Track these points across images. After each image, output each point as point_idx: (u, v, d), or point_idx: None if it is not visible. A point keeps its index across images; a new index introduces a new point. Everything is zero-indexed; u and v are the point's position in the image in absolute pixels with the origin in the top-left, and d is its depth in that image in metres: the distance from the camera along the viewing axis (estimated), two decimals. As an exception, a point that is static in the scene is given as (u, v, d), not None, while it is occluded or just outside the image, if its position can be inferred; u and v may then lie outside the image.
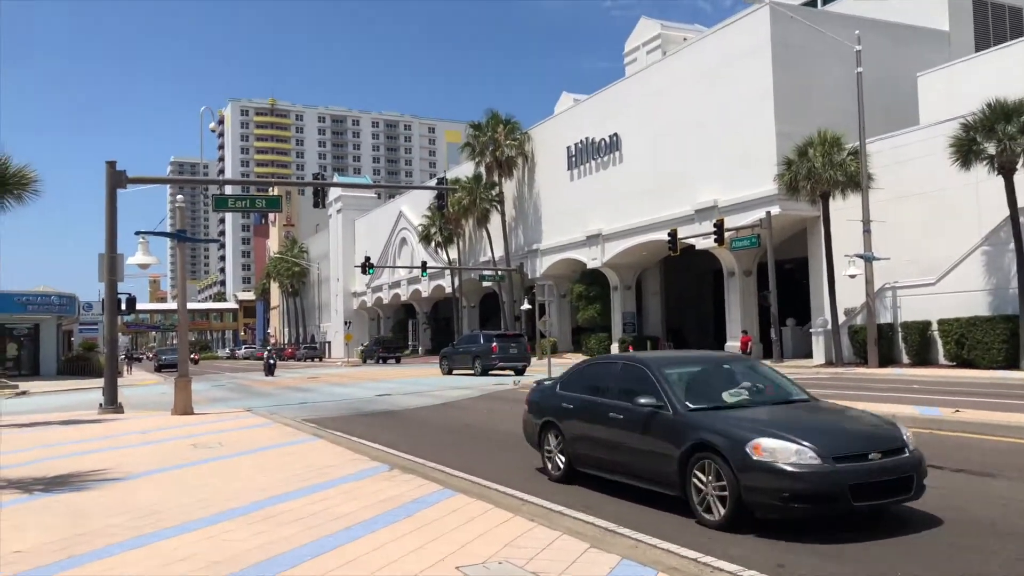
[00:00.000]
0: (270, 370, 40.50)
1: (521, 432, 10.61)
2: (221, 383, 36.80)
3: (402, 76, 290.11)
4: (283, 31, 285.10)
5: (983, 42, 40.03)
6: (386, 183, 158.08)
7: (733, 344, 38.48)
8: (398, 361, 59.38)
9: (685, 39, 57.50)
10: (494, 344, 30.53)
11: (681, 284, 51.85)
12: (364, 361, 64.13)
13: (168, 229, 20.69)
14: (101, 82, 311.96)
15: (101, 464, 11.00)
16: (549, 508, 7.84)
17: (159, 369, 55.08)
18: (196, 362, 70.60)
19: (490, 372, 31.14)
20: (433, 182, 66.65)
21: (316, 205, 25.42)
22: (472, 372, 31.51)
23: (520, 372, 30.90)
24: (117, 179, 20.56)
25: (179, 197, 19.47)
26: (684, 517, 7.38)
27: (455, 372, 32.91)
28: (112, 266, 20.11)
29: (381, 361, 59.16)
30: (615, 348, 47.26)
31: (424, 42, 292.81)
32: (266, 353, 43.61)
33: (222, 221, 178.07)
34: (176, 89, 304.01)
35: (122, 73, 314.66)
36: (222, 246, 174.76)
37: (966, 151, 25.49)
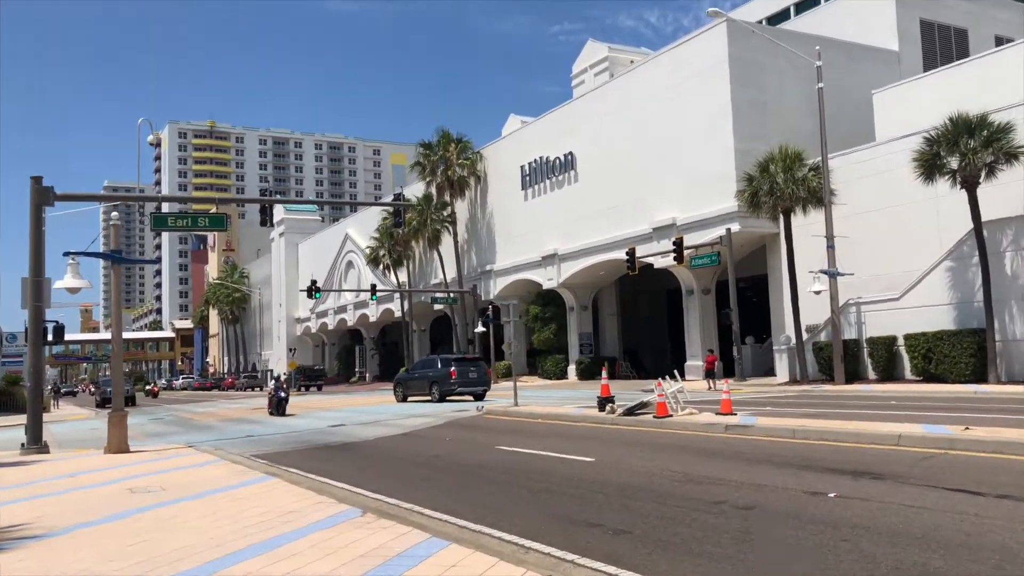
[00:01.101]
0: (279, 407, 28.09)
1: (498, 462, 12.14)
2: (159, 416, 34.61)
3: (346, 99, 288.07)
4: (223, 53, 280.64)
5: (931, 62, 40.60)
6: (334, 205, 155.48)
7: (694, 363, 37.84)
8: (320, 389, 60.01)
9: (632, 61, 57.47)
10: (452, 368, 29.15)
11: (637, 304, 51.29)
12: (298, 390, 63.08)
13: (101, 250, 18.98)
14: (28, 99, 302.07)
15: (17, 518, 9.39)
16: (559, 557, 6.65)
17: (103, 404, 43.23)
18: (156, 395, 68.35)
19: (448, 398, 29.75)
20: (388, 199, 65.21)
21: (264, 223, 23.86)
22: (429, 399, 30.06)
23: (480, 397, 29.58)
24: (43, 196, 18.79)
25: (114, 215, 17.81)
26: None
27: (410, 399, 31.41)
28: (37, 291, 18.29)
29: (304, 389, 58.87)
30: (572, 370, 46.32)
31: (368, 66, 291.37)
32: (273, 385, 29.75)
33: (158, 247, 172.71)
34: (110, 110, 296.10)
35: (54, 91, 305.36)
36: (159, 265, 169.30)
37: (929, 165, 25.30)
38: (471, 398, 29.82)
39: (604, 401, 18.53)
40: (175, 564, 6.71)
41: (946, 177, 25.45)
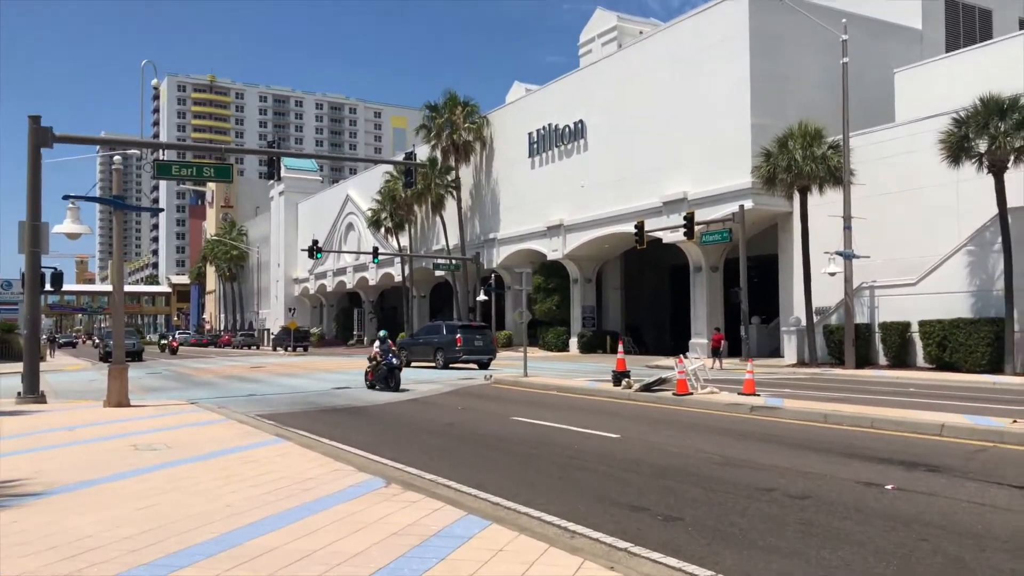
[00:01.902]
0: (389, 379, 20.31)
1: (517, 434, 12.11)
2: (156, 370, 34.06)
3: (348, 60, 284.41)
4: (224, 6, 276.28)
5: (954, 42, 39.69)
6: (334, 165, 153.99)
7: (699, 341, 37.32)
8: (305, 350, 59.86)
9: (641, 32, 56.41)
10: (458, 336, 28.59)
11: (641, 279, 50.71)
12: (274, 349, 66.09)
13: (98, 197, 18.26)
14: (28, 43, 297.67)
15: (16, 472, 8.82)
16: (610, 544, 6.12)
17: (107, 358, 36.33)
18: (175, 350, 60.63)
19: (452, 365, 29.23)
20: (387, 165, 64.21)
21: (271, 176, 23.07)
22: (433, 365, 29.53)
23: (485, 366, 29.06)
24: (42, 137, 18.02)
25: (116, 158, 17.06)
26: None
27: (414, 364, 30.86)
28: (35, 236, 17.59)
29: (290, 349, 59.72)
30: (574, 343, 45.84)
31: (371, 27, 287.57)
32: (378, 347, 21.07)
33: (156, 202, 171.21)
34: (107, 61, 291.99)
35: (51, 39, 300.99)
36: (160, 215, 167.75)
37: (956, 147, 24.58)
38: (475, 366, 29.30)
39: (620, 376, 17.99)
40: (190, 534, 6.14)
41: (972, 160, 24.76)
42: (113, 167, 16.77)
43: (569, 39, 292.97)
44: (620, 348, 19.39)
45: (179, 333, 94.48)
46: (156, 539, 5.99)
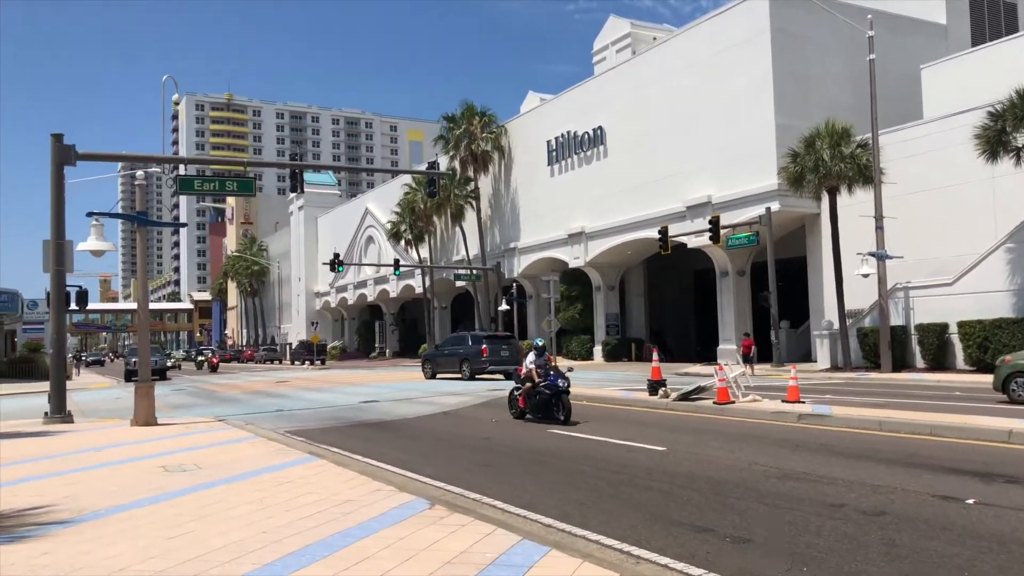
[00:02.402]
0: (549, 408, 15.10)
1: (558, 448, 11.91)
2: (181, 387, 33.86)
3: (362, 75, 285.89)
4: (239, 26, 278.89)
5: (979, 36, 38.93)
6: (351, 179, 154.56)
7: (727, 347, 36.67)
8: (323, 363, 61.70)
9: (655, 38, 55.88)
10: (484, 346, 28.15)
11: (663, 285, 50.12)
12: (292, 363, 67.43)
13: (121, 213, 18.02)
14: (47, 63, 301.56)
15: (42, 497, 8.47)
16: (682, 572, 5.64)
17: (131, 377, 34.04)
18: (215, 367, 55.11)
19: (478, 376, 28.79)
20: (405, 177, 64.08)
21: (294, 189, 22.74)
22: (459, 376, 29.10)
23: (510, 376, 28.52)
24: (64, 155, 17.84)
25: (139, 174, 16.82)
26: None
27: (439, 376, 30.47)
28: (59, 254, 17.39)
29: (308, 363, 61.15)
30: (598, 351, 45.28)
31: (385, 42, 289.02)
32: (534, 359, 15.76)
33: (177, 218, 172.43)
34: (125, 81, 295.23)
35: (72, 62, 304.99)
36: (183, 230, 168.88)
37: (993, 142, 23.95)
38: (501, 376, 28.83)
39: (655, 385, 17.48)
40: (229, 565, 5.73)
41: (1010, 154, 24.11)
42: (136, 183, 16.53)
43: (580, 49, 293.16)
44: (655, 356, 18.80)
45: (203, 349, 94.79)
46: (194, 571, 5.59)
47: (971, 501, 7.53)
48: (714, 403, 15.38)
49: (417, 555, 5.90)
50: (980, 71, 31.95)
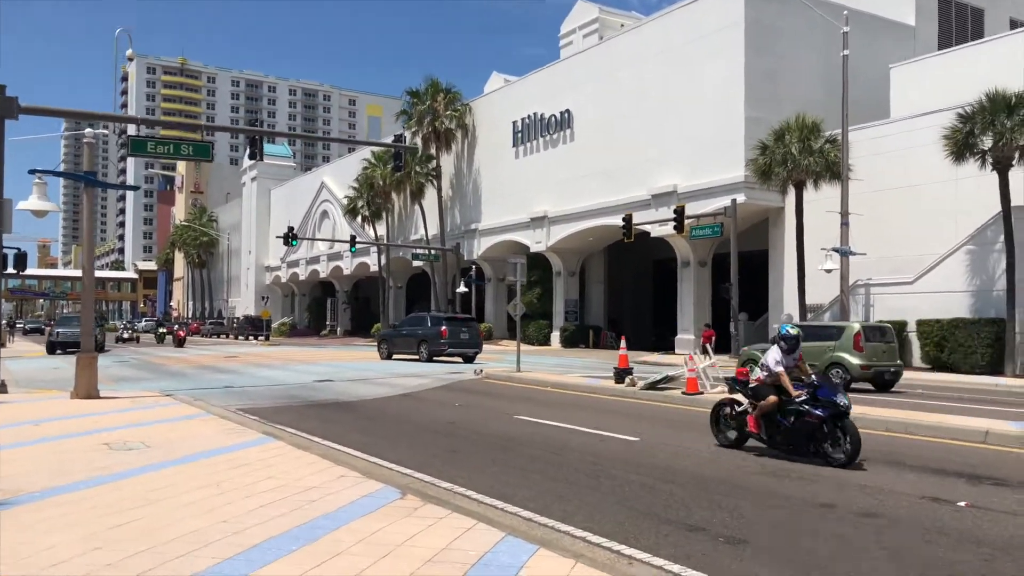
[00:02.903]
0: (831, 441, 9.23)
1: (527, 435, 11.26)
2: (124, 359, 32.60)
3: (322, 47, 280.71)
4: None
5: (946, 40, 39.36)
6: (307, 152, 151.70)
7: (686, 337, 36.74)
8: (267, 339, 60.39)
9: (622, 25, 55.71)
10: (444, 327, 27.54)
11: (621, 273, 50.02)
12: (236, 338, 66.68)
13: (68, 172, 16.98)
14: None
15: (-26, 476, 7.72)
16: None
17: (54, 349, 35.84)
18: (182, 341, 47.06)
19: (436, 358, 28.23)
20: (363, 152, 62.87)
21: (252, 157, 21.87)
22: (416, 358, 28.49)
23: (470, 359, 28.08)
24: (6, 107, 16.61)
25: (88, 131, 15.79)
26: None
27: (395, 357, 29.80)
28: (-2, 213, 16.28)
29: (253, 339, 61.83)
30: (555, 337, 45.02)
31: (345, 16, 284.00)
32: (779, 358, 9.78)
33: (122, 185, 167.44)
34: (73, 39, 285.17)
35: (15, 16, 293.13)
36: (125, 194, 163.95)
37: (961, 144, 24.06)
38: (460, 360, 28.33)
39: (622, 373, 17.14)
40: (185, 559, 5.15)
41: (976, 157, 24.30)
42: (84, 140, 15.51)
43: (548, 32, 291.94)
44: (622, 344, 18.47)
45: (145, 320, 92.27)
46: (145, 567, 5.00)
47: (963, 504, 7.29)
48: (683, 393, 15.10)
49: (394, 551, 5.39)
50: (948, 73, 32.24)
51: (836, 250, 27.59)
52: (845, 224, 27.61)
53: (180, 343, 46.71)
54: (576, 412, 14.05)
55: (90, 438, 10.32)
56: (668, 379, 16.01)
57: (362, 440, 10.91)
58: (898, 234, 29.32)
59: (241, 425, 11.80)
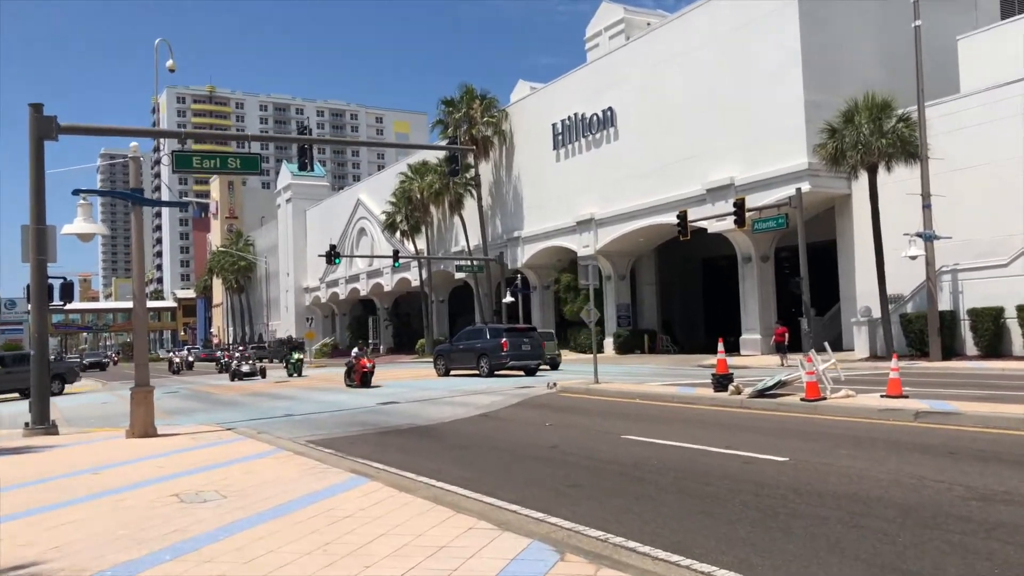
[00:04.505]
0: None
1: (652, 460, 9.75)
2: (173, 389, 31.57)
3: (345, 69, 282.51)
4: (222, 18, 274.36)
5: (1009, 8, 37.16)
6: (338, 173, 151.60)
7: (751, 337, 34.95)
8: (296, 369, 37.21)
9: (649, 23, 53.94)
10: (504, 339, 26.10)
11: (671, 274, 48.27)
12: (271, 361, 62.15)
13: (114, 191, 15.81)
14: (26, 46, 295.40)
15: (29, 548, 6.35)
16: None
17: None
18: (367, 376, 26.09)
19: (497, 373, 26.76)
20: (395, 168, 61.82)
21: (303, 167, 20.62)
22: (476, 373, 27.04)
23: (532, 372, 26.59)
24: (45, 127, 15.65)
25: (133, 144, 14.60)
26: None
27: (453, 373, 28.40)
28: (40, 240, 15.18)
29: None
30: (609, 344, 43.32)
31: (366, 35, 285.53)
32: None
33: (157, 215, 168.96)
34: (107, 71, 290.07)
35: (51, 45, 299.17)
36: (158, 228, 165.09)
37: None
38: (522, 373, 26.83)
39: (723, 380, 15.52)
40: None
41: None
42: (130, 156, 14.34)
43: (566, 41, 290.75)
44: (720, 348, 16.81)
45: (188, 348, 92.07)
46: None
47: None
48: (802, 399, 13.43)
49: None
50: (1017, 43, 30.19)
51: (920, 235, 25.69)
52: (927, 207, 25.77)
53: (366, 380, 26.04)
54: (687, 428, 12.45)
55: (156, 488, 8.95)
56: (781, 384, 14.34)
57: (463, 475, 9.43)
58: (980, 216, 27.34)
59: (321, 463, 10.38)
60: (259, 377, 35.37)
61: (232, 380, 35.30)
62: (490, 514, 7.10)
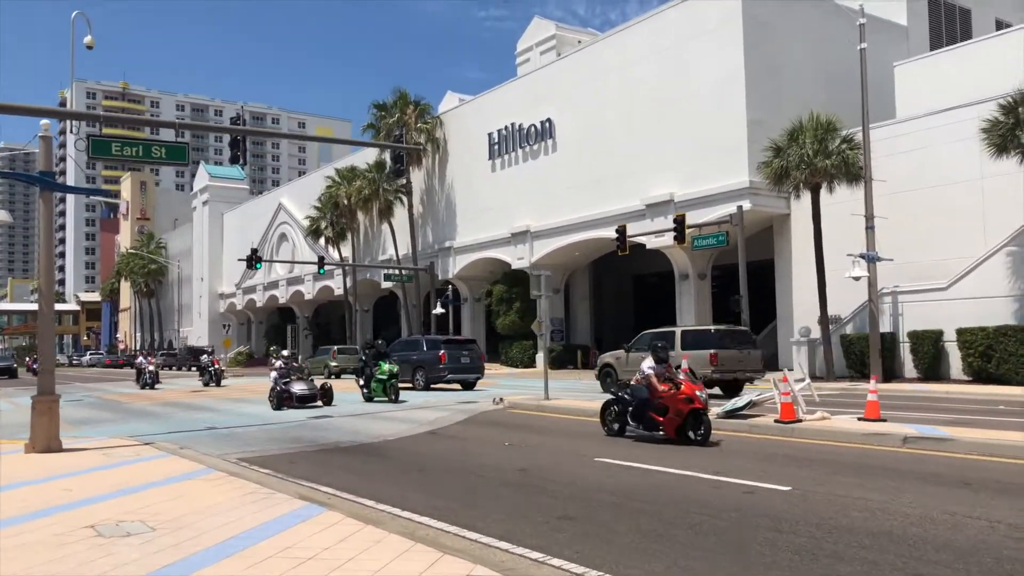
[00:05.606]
0: None
1: (636, 487, 8.14)
2: (77, 397, 28.97)
3: (268, 72, 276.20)
4: (138, 12, 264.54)
5: (937, 40, 38.36)
6: (256, 177, 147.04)
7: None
8: (217, 383, 35.18)
9: (579, 41, 53.81)
10: (442, 352, 24.83)
11: (604, 288, 47.89)
12: (180, 369, 61.41)
13: (20, 173, 14.02)
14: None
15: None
16: None
17: None
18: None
19: (433, 387, 25.46)
20: (318, 171, 59.80)
21: (235, 160, 19.02)
22: (411, 386, 25.64)
23: (471, 386, 25.41)
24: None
25: (43, 122, 12.85)
26: None
27: (385, 385, 26.87)
28: (-69, 226, 13.21)
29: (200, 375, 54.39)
30: (540, 359, 42.43)
31: (293, 38, 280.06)
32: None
33: (62, 214, 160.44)
34: (6, 70, 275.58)
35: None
36: (61, 224, 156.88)
37: (1004, 137, 22.40)
38: (458, 386, 25.62)
39: (687, 398, 14.64)
40: None
41: (1015, 152, 22.67)
42: (40, 134, 12.62)
43: (492, 56, 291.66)
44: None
45: (90, 354, 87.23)
46: None
47: None
48: (776, 421, 12.72)
49: None
50: (953, 71, 30.97)
51: (863, 256, 25.69)
52: (871, 228, 25.77)
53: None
54: (659, 451, 11.55)
55: (65, 517, 7.46)
56: (751, 404, 13.62)
57: (431, 504, 8.25)
58: (919, 238, 27.64)
59: (262, 486, 9.01)
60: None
61: (142, 388, 33.23)
62: (483, 556, 5.97)
